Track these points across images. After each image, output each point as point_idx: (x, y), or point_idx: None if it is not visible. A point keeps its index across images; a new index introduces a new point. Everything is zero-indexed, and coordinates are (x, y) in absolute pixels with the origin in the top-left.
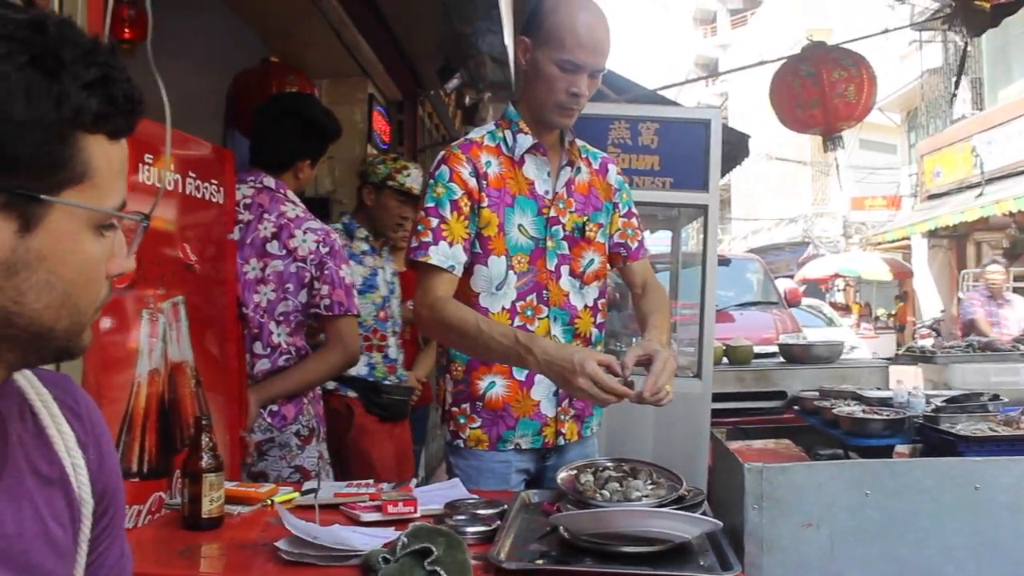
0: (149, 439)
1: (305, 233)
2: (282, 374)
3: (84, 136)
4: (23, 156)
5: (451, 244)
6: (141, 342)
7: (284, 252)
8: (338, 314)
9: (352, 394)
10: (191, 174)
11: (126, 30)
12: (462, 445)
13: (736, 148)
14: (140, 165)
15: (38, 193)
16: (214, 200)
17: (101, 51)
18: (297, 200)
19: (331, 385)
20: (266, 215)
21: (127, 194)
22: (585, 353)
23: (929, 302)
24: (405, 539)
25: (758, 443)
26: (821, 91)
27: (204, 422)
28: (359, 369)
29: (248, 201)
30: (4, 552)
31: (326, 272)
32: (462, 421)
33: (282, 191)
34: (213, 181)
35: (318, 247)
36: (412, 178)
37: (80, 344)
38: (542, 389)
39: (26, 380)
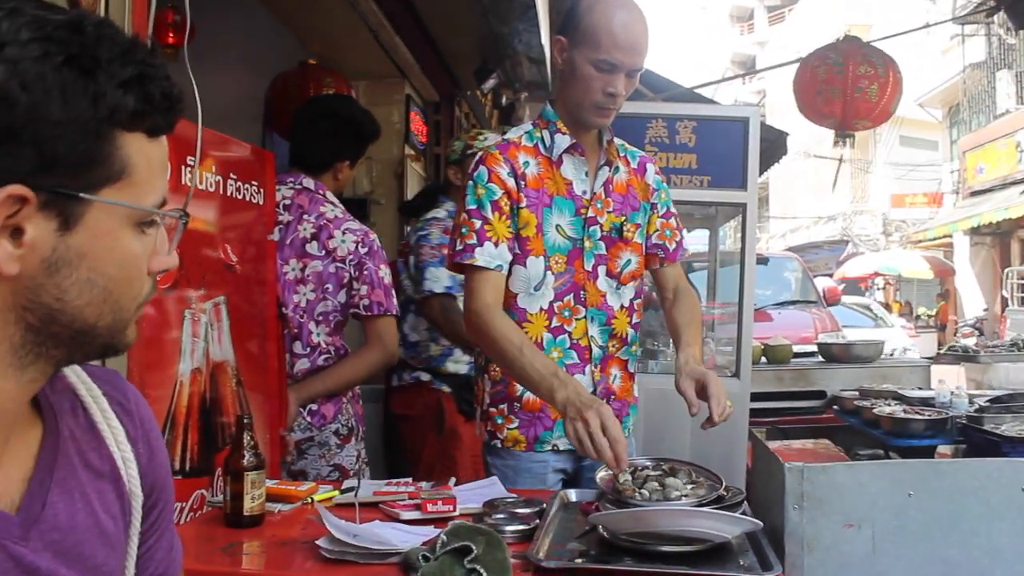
0: (191, 437)
1: (344, 233)
2: (321, 374)
3: (122, 134)
4: (61, 155)
5: (496, 244)
6: (183, 342)
7: (323, 252)
8: (377, 314)
9: (446, 389)
10: (232, 175)
11: (170, 35)
12: (499, 445)
13: (774, 146)
14: (182, 167)
15: (77, 191)
16: (254, 201)
17: (138, 50)
18: (336, 201)
19: (425, 377)
20: (306, 216)
21: (169, 193)
22: (609, 408)
23: (971, 300)
24: (445, 537)
25: (797, 443)
26: (844, 82)
27: (246, 421)
28: (458, 366)
29: (288, 202)
30: (58, 544)
31: (365, 272)
32: (500, 421)
33: (321, 192)
34: (253, 182)
35: (357, 247)
36: (490, 141)
37: (124, 340)
38: None
39: (76, 376)
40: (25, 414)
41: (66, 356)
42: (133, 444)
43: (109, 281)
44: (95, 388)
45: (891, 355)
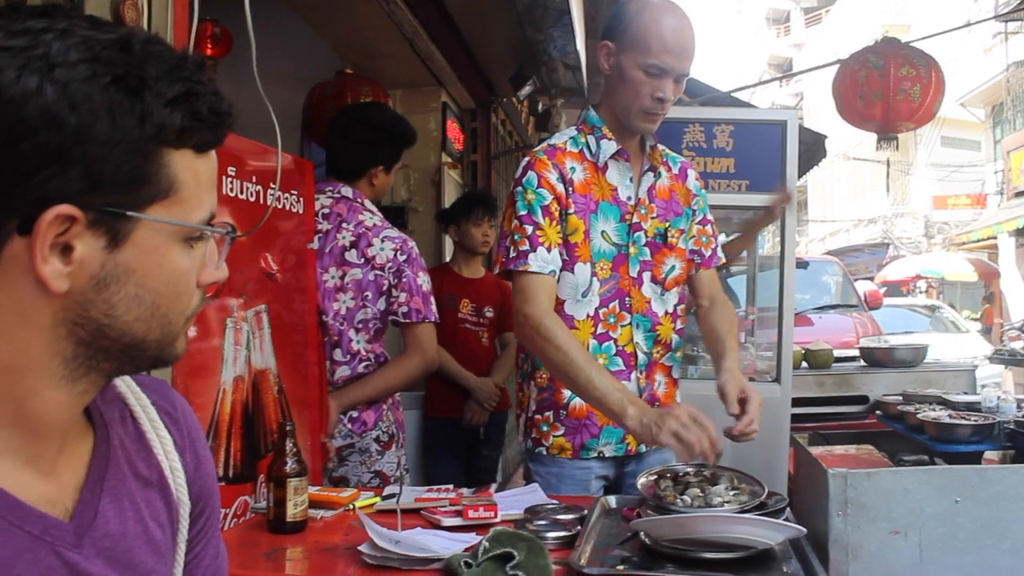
0: (234, 444)
1: (383, 241)
2: (361, 381)
3: (169, 151)
4: (109, 174)
5: (548, 249)
6: (226, 350)
7: (363, 260)
8: (416, 321)
9: None
10: (272, 185)
11: (209, 47)
12: (544, 453)
13: (813, 149)
14: (223, 177)
15: (125, 210)
16: (294, 210)
17: (186, 66)
18: (374, 209)
19: None
20: (344, 224)
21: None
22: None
23: (1017, 303)
24: (486, 544)
25: (839, 448)
26: (886, 85)
27: (288, 428)
28: None
29: (327, 211)
30: (109, 551)
31: (404, 280)
32: (545, 429)
33: (359, 200)
34: (293, 192)
35: (395, 255)
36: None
37: (173, 353)
38: None
39: (126, 386)
40: (77, 424)
41: (116, 369)
42: (180, 453)
43: (157, 296)
44: (144, 397)
45: (974, 367)
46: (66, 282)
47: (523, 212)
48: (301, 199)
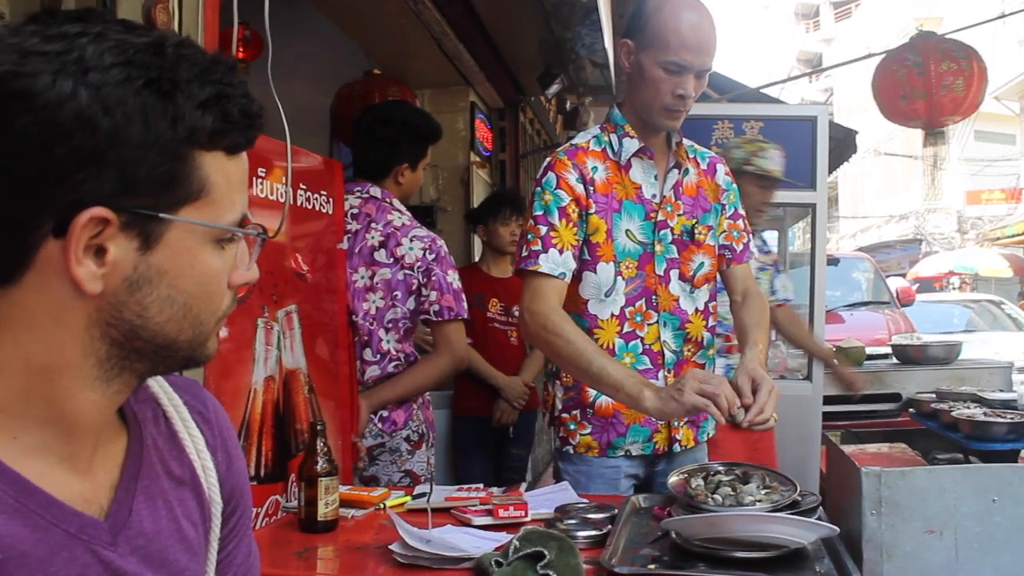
0: (265, 444)
1: (412, 241)
2: (391, 380)
3: (201, 154)
4: (142, 177)
5: (561, 251)
6: (256, 350)
7: (392, 260)
8: (448, 319)
9: None
10: (302, 186)
11: (240, 50)
12: (572, 451)
13: (843, 144)
14: (254, 179)
15: (157, 212)
16: (324, 210)
17: (218, 69)
18: (403, 208)
19: None
20: (373, 224)
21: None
22: (696, 374)
23: None
24: (517, 543)
25: (872, 447)
26: (927, 83)
27: (319, 427)
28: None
29: (356, 211)
30: (143, 549)
31: (433, 278)
32: (572, 427)
33: (388, 199)
34: (323, 192)
35: (424, 254)
36: (772, 160)
37: (205, 353)
38: None
39: (159, 386)
40: (112, 424)
41: (149, 369)
42: (212, 452)
43: (189, 297)
44: (176, 397)
45: (1010, 364)
46: (100, 284)
47: (539, 213)
48: (331, 199)
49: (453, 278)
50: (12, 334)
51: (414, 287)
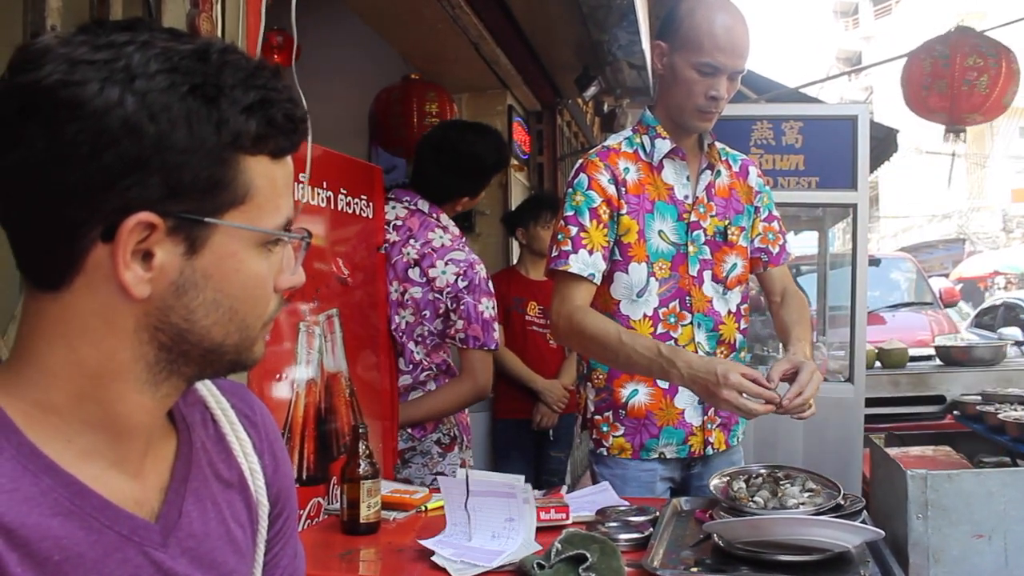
0: (308, 447)
1: (447, 264)
2: (414, 402)
3: (245, 158)
4: (187, 182)
5: (591, 252)
6: (299, 354)
7: (423, 280)
8: (472, 347)
9: None
10: (342, 190)
11: (275, 56)
12: (605, 453)
13: (884, 143)
14: (295, 184)
15: (203, 216)
16: (364, 215)
17: (262, 74)
18: (449, 225)
19: None
20: (412, 240)
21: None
22: (728, 364)
23: None
24: (559, 545)
25: (915, 450)
26: (950, 75)
27: (361, 430)
28: None
29: (399, 223)
30: (193, 551)
31: (462, 307)
32: (605, 429)
33: (435, 215)
34: (363, 196)
35: (456, 280)
36: None
37: (251, 357)
38: (686, 397)
39: (207, 389)
40: (161, 427)
41: (196, 372)
42: (259, 455)
43: (235, 301)
44: (223, 400)
45: None
46: (147, 288)
47: (570, 213)
48: (371, 203)
49: (485, 306)
50: (66, 339)
51: (442, 311)
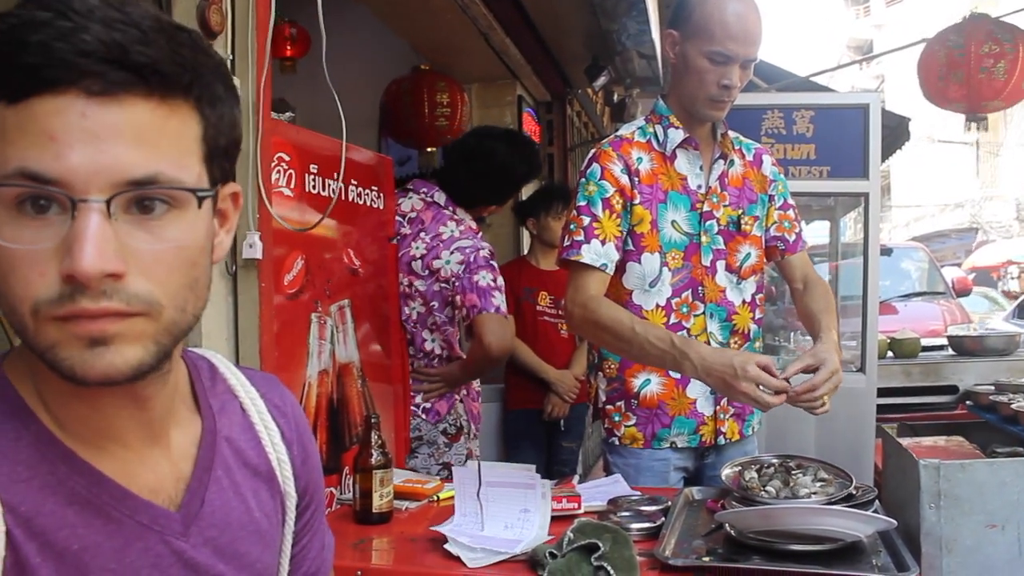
0: (319, 437)
1: (452, 253)
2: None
3: None
4: None
5: (603, 242)
6: (310, 344)
7: (427, 273)
8: (474, 316)
9: None
10: (353, 181)
11: (288, 48)
12: (617, 443)
13: (896, 132)
14: (306, 175)
15: None
16: (375, 206)
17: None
18: (465, 218)
19: None
20: (422, 233)
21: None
22: (744, 356)
23: None
24: (571, 535)
25: (928, 440)
26: (967, 64)
27: (373, 420)
28: None
29: (413, 215)
30: (215, 540)
31: (457, 285)
32: (616, 419)
33: (450, 207)
34: (373, 188)
35: (460, 268)
36: None
37: (51, 359)
38: (698, 387)
39: (236, 378)
40: (185, 415)
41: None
42: (288, 446)
43: None
44: (252, 390)
45: None
46: None
47: (582, 203)
48: (381, 195)
49: (482, 277)
50: None
51: (449, 299)
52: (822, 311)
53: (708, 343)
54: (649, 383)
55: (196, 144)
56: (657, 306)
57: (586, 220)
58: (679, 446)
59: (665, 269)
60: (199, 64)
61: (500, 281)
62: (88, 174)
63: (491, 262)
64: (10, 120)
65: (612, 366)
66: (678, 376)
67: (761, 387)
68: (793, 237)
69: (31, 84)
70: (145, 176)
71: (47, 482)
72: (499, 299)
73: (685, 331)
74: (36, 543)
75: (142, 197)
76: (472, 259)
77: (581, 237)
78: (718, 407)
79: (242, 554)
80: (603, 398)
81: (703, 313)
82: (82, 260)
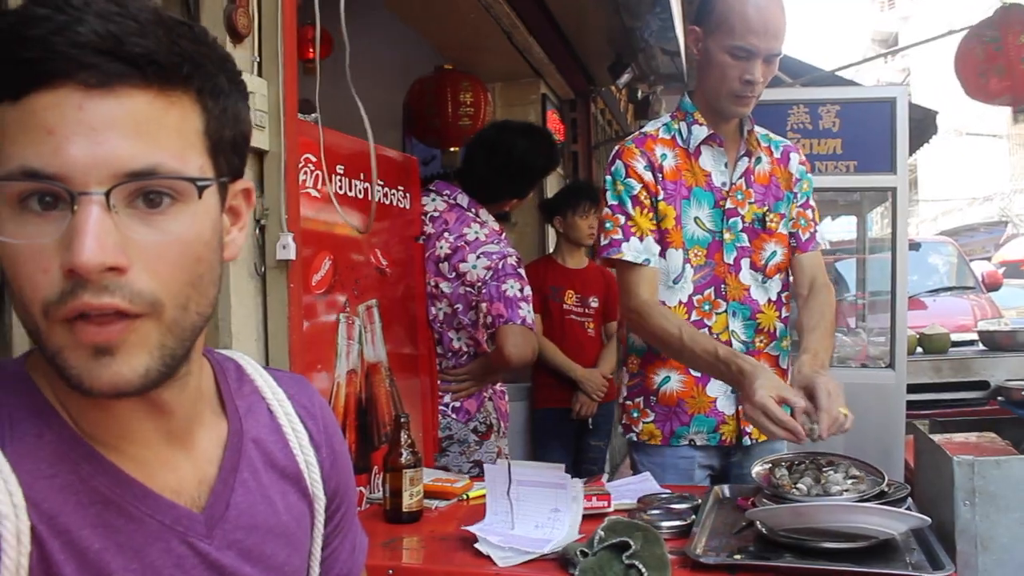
0: (349, 437)
1: (478, 258)
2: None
3: None
4: None
5: (641, 239)
6: (339, 344)
7: (453, 275)
8: (498, 326)
9: None
10: (379, 181)
11: (310, 50)
12: (635, 439)
13: (923, 125)
14: (333, 176)
15: None
16: (401, 206)
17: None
18: (489, 220)
19: None
20: (446, 234)
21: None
22: (766, 381)
23: None
24: (602, 533)
25: (959, 436)
26: (1006, 57)
27: (403, 419)
28: None
29: (436, 215)
30: (240, 543)
31: (483, 292)
32: (635, 415)
33: (474, 210)
34: (400, 187)
35: (486, 274)
36: None
37: (58, 362)
38: (718, 386)
39: (263, 380)
40: (210, 417)
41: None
42: (316, 448)
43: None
44: (280, 391)
45: None
46: None
47: (614, 203)
48: (407, 194)
49: (509, 286)
50: None
51: (473, 303)
52: (813, 328)
53: (730, 342)
54: (669, 380)
55: (198, 137)
56: (680, 303)
57: (621, 219)
58: (698, 444)
59: (688, 266)
60: (200, 56)
61: (527, 291)
62: (87, 167)
63: (519, 270)
64: (12, 118)
65: (634, 362)
66: (698, 374)
67: (768, 416)
68: (807, 236)
69: (30, 80)
70: (144, 167)
71: (69, 480)
72: (525, 310)
73: (707, 329)
74: (59, 540)
75: (144, 189)
76: (500, 266)
77: (619, 235)
78: (740, 407)
79: (269, 556)
80: (624, 393)
81: (725, 311)
82: (82, 252)
